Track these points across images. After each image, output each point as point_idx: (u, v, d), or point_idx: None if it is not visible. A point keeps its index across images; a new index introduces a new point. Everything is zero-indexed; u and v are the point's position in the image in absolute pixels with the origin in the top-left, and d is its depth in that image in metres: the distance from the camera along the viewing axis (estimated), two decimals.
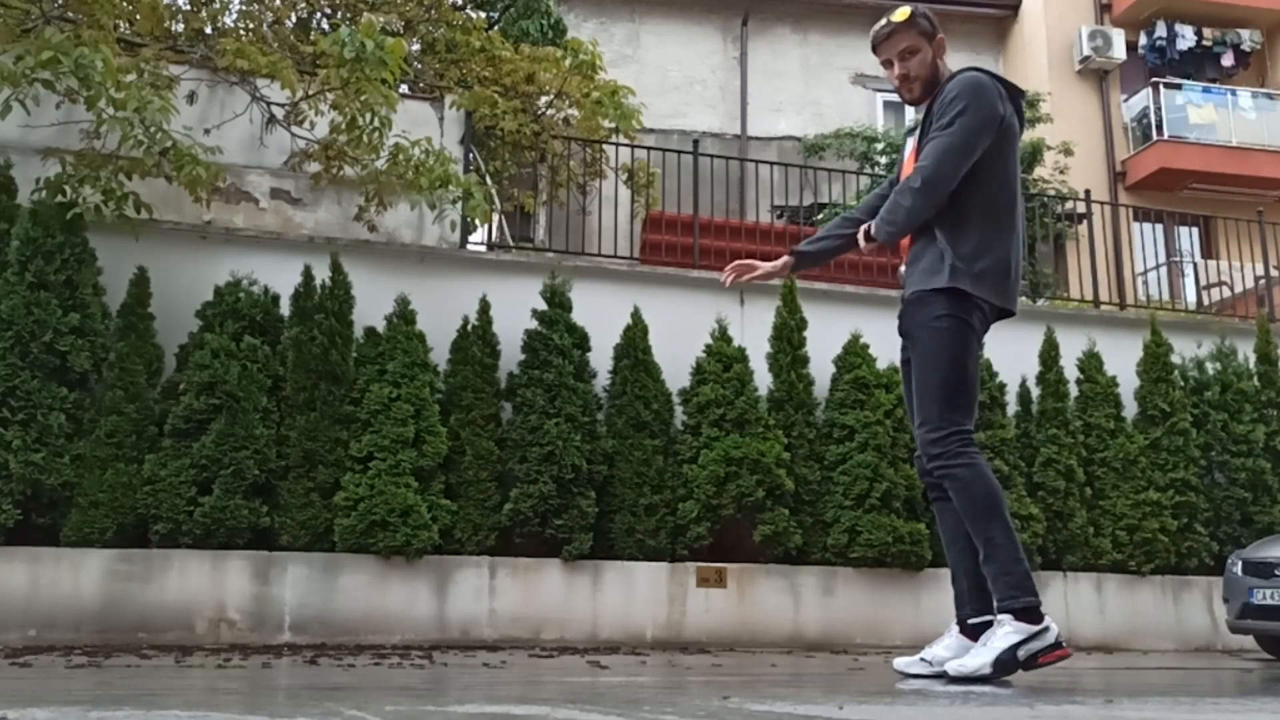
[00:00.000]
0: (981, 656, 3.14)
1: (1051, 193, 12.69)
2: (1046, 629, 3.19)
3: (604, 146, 9.82)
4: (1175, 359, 8.74)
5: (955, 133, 3.31)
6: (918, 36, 3.50)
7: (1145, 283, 12.15)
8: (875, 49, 3.60)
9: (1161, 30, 15.42)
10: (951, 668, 3.20)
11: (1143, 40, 15.53)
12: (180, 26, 8.45)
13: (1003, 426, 8.07)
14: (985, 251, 3.35)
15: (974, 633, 3.31)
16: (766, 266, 3.81)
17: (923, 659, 3.37)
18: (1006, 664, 3.14)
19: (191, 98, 7.63)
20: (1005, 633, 3.13)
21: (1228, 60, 15.69)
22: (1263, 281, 10.57)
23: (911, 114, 15.40)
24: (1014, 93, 3.49)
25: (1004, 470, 7.89)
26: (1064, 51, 15.40)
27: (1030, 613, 3.16)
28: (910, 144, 3.62)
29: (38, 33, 6.67)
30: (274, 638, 6.48)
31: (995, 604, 3.22)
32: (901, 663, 3.44)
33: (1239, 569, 7.12)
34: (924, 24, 3.52)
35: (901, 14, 3.48)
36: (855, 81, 15.83)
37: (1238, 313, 10.72)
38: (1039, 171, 13.39)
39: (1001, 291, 3.40)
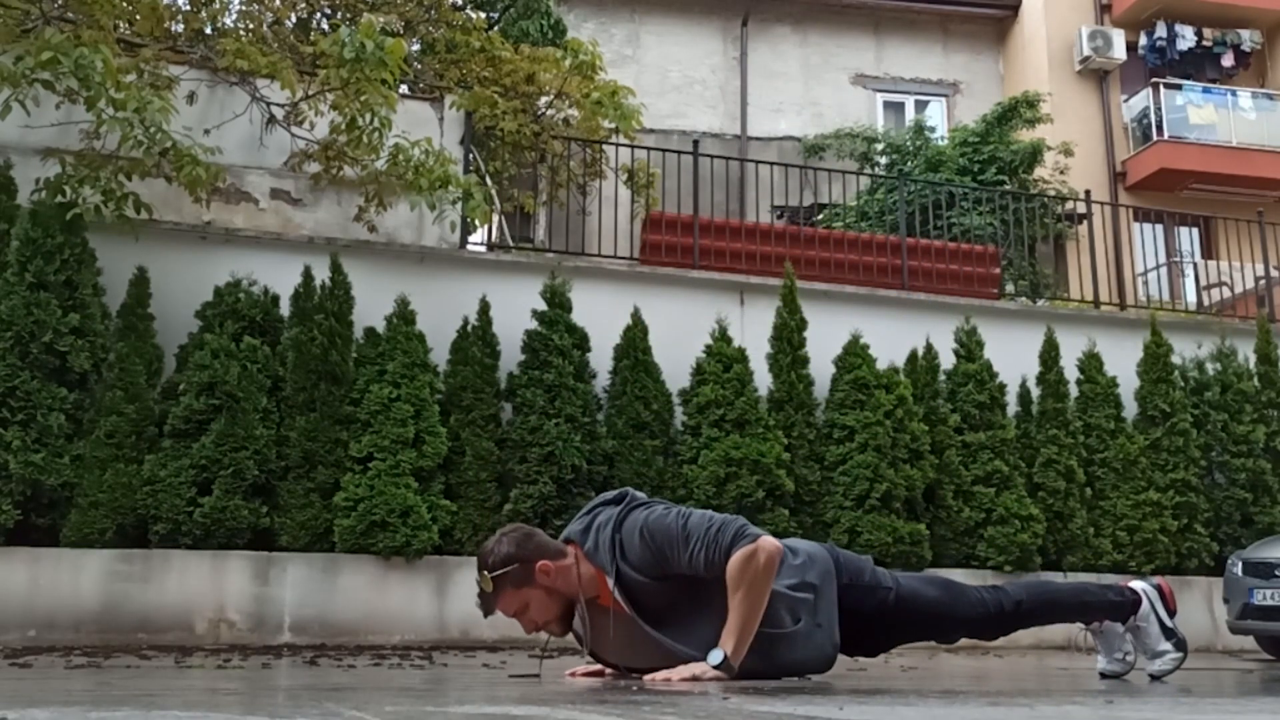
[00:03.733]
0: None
1: (1051, 193, 12.70)
2: None
3: (604, 147, 9.82)
4: (1175, 359, 8.74)
5: (683, 536, 2.79)
6: (514, 591, 2.90)
7: (1145, 283, 12.14)
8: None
9: (1161, 30, 15.41)
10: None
11: (1143, 40, 15.52)
12: (180, 27, 8.45)
13: (1003, 427, 8.07)
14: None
15: None
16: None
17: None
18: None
19: (191, 98, 7.63)
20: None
21: (1228, 60, 15.68)
22: (1263, 282, 10.57)
23: (912, 114, 15.44)
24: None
25: (1004, 470, 7.90)
26: (1064, 51, 15.40)
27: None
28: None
29: (38, 33, 6.67)
30: (274, 638, 6.48)
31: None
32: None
33: (1239, 569, 7.11)
34: (512, 574, 2.87)
35: (485, 584, 2.89)
36: (855, 82, 15.83)
37: (1238, 313, 10.71)
38: (1039, 172, 13.39)
39: None
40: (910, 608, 3.08)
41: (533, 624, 2.98)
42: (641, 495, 3.01)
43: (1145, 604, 3.29)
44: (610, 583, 2.88)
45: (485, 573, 2.90)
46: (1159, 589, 3.36)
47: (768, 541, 2.76)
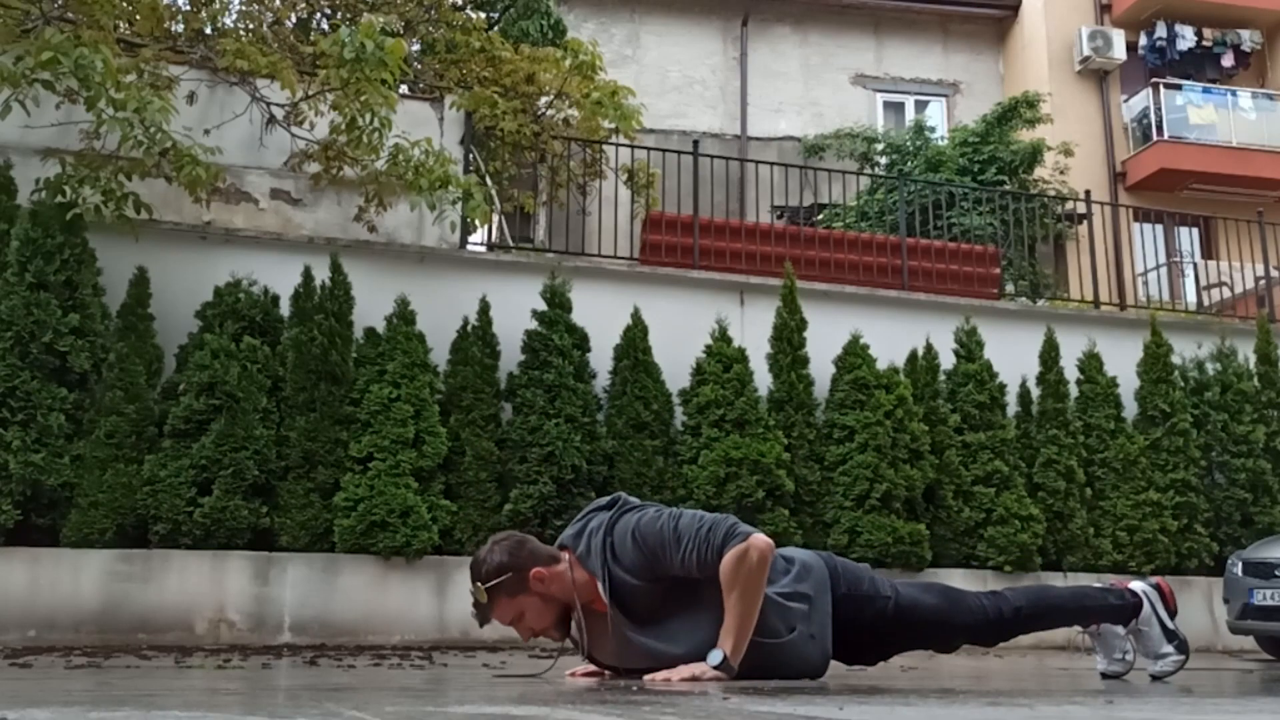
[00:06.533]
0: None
1: (1051, 193, 12.70)
2: None
3: (604, 147, 9.81)
4: (1175, 359, 8.74)
5: (674, 537, 2.77)
6: (509, 600, 2.87)
7: (1145, 283, 12.15)
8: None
9: (1161, 31, 15.41)
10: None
11: (1143, 40, 15.52)
12: (180, 27, 8.45)
13: (1003, 427, 8.07)
14: None
15: None
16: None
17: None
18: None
19: (191, 98, 7.63)
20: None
21: (1228, 60, 15.68)
22: (1263, 282, 10.57)
23: (912, 114, 15.44)
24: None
25: (1004, 470, 7.90)
26: (1064, 52, 15.40)
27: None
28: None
29: (38, 33, 6.67)
30: (274, 638, 6.48)
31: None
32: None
33: (1239, 570, 7.12)
34: (506, 583, 2.85)
35: (480, 594, 2.87)
36: (855, 82, 15.83)
37: (1238, 313, 10.71)
38: (1039, 172, 13.39)
39: None
40: (909, 617, 3.05)
41: (529, 631, 2.95)
42: (633, 500, 3.00)
43: (1146, 606, 3.28)
44: (601, 588, 2.86)
45: (479, 584, 2.86)
46: (1159, 589, 3.35)
47: (759, 539, 2.75)
